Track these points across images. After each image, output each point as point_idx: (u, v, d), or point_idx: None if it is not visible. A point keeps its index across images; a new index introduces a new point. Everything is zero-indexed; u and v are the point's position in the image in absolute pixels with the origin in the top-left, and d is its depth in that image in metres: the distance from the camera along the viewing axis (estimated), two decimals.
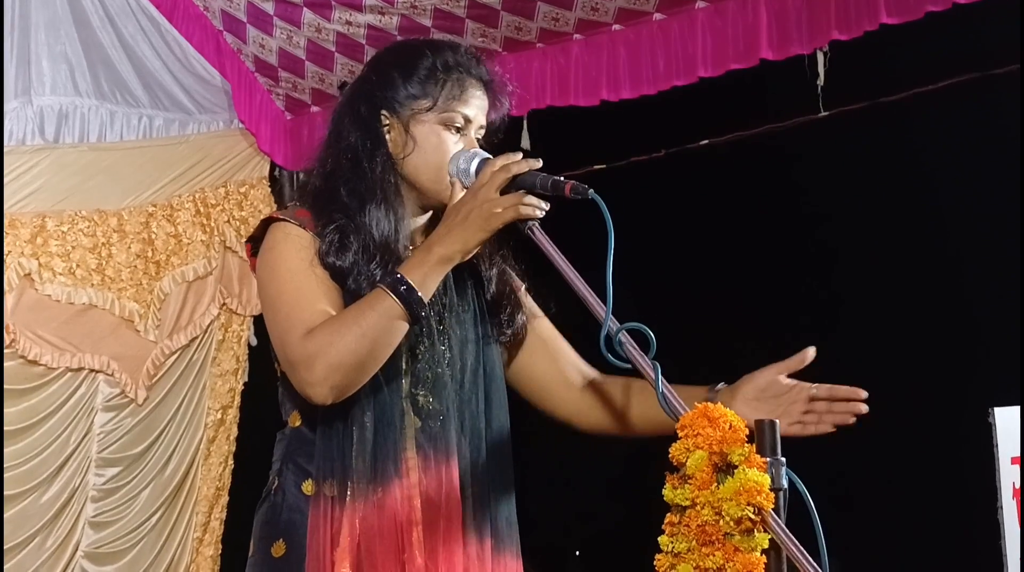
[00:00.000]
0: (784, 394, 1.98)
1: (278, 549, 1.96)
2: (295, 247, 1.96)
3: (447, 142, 2.03)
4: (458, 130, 2.04)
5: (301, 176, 4.98)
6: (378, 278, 1.94)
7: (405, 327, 1.89)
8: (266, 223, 2.03)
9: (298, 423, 2.01)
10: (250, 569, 2.01)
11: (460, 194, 1.96)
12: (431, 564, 1.92)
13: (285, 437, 2.04)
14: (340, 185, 2.03)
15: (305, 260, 1.95)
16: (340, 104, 2.14)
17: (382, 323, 1.86)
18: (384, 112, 2.05)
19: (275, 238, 1.98)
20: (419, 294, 1.87)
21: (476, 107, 2.05)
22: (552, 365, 2.16)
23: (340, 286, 1.96)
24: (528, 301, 2.19)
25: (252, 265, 2.06)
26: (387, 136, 2.05)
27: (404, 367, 1.98)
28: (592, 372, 2.17)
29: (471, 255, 1.94)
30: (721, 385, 2.02)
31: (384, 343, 1.88)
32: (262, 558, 1.98)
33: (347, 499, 1.92)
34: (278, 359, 1.96)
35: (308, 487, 1.96)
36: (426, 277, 1.89)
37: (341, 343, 1.85)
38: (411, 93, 2.04)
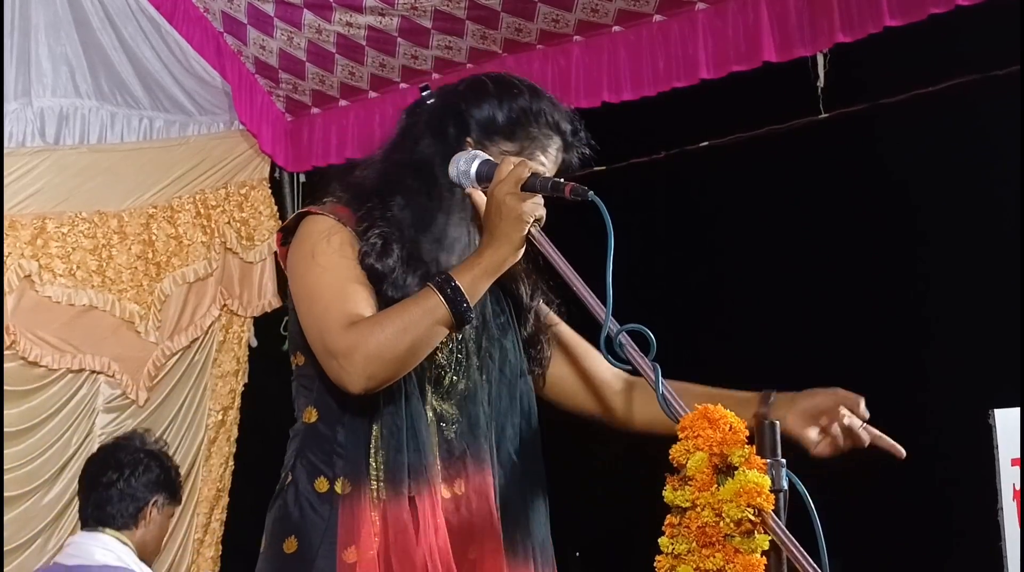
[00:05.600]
0: (834, 421, 1.94)
1: (289, 545, 1.94)
2: (334, 241, 1.95)
3: None
4: None
5: (302, 178, 5.00)
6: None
7: (447, 328, 1.89)
8: (301, 215, 2.02)
9: (314, 419, 2.00)
10: (262, 564, 2.00)
11: (481, 199, 1.96)
12: (463, 564, 1.92)
13: (298, 433, 2.02)
14: (398, 193, 2.00)
15: (345, 255, 1.95)
16: (423, 111, 2.09)
17: (425, 321, 1.86)
18: (470, 139, 2.02)
19: (312, 230, 1.97)
20: (466, 297, 1.87)
21: (551, 164, 2.04)
22: (579, 366, 2.15)
23: (375, 288, 1.95)
24: (544, 310, 2.18)
25: (282, 254, 2.05)
26: None
27: (431, 373, 1.98)
28: (624, 373, 2.13)
29: (520, 256, 1.92)
30: (774, 395, 1.98)
31: (424, 341, 1.88)
32: (274, 554, 1.97)
33: (367, 499, 1.92)
34: (314, 351, 1.94)
35: (321, 484, 1.96)
36: (475, 282, 1.88)
37: (382, 335, 1.85)
38: (501, 130, 2.01)
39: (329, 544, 1.91)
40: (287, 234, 2.03)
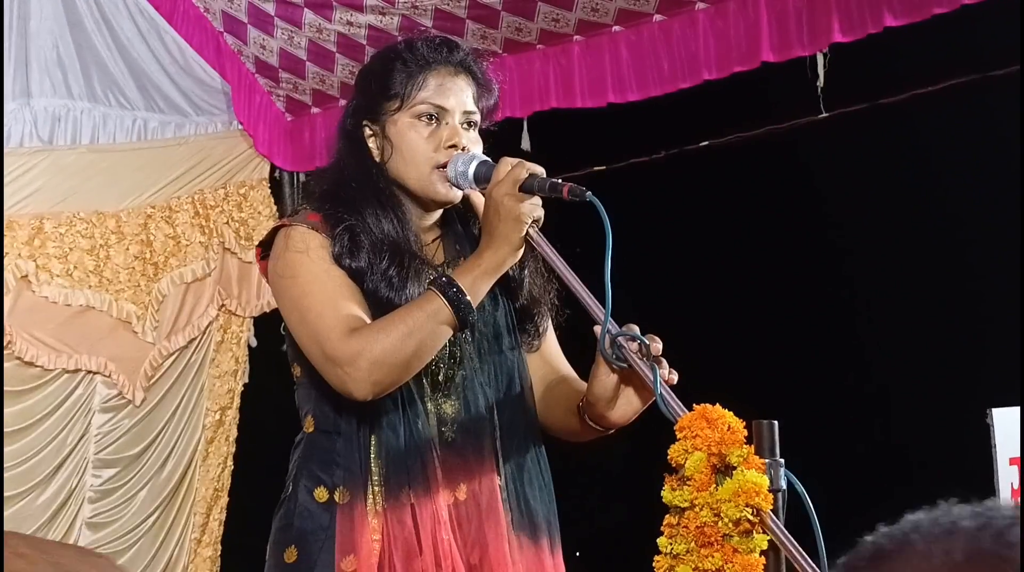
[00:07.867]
0: (628, 381, 1.87)
1: (290, 555, 1.96)
2: (312, 249, 1.97)
3: (421, 135, 2.02)
4: (434, 120, 2.03)
5: (302, 177, 4.99)
6: (394, 278, 1.94)
7: (451, 330, 1.90)
8: (277, 229, 2.04)
9: (311, 429, 2.01)
10: None
11: (479, 200, 1.97)
12: (468, 568, 1.92)
13: (300, 443, 2.05)
14: (339, 193, 2.04)
15: (325, 260, 1.96)
16: (340, 118, 2.18)
17: (429, 324, 1.88)
18: (365, 122, 2.07)
19: (288, 241, 1.99)
20: (468, 298, 1.88)
21: (451, 93, 2.04)
22: (549, 368, 2.15)
23: (360, 285, 1.97)
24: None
25: (262, 269, 2.07)
26: (371, 144, 2.07)
27: (427, 372, 1.98)
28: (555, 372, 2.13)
29: (520, 256, 1.93)
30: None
31: (429, 344, 1.90)
32: (276, 563, 1.99)
33: (366, 506, 1.93)
34: (310, 359, 1.95)
35: (320, 494, 1.97)
36: (476, 281, 1.90)
37: (387, 340, 1.86)
38: (382, 97, 2.05)
39: (328, 553, 1.93)
40: (265, 248, 2.05)
